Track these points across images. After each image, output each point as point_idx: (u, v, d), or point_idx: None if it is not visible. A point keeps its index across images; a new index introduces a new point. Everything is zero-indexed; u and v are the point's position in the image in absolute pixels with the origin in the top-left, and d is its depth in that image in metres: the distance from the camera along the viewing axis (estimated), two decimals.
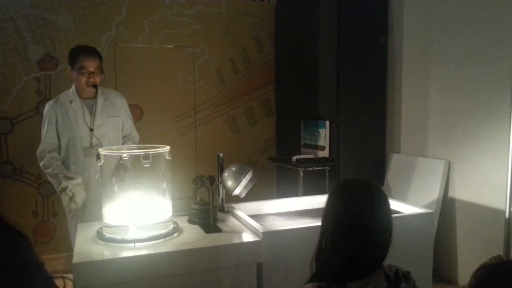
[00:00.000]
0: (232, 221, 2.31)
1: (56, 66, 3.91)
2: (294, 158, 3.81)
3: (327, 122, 3.79)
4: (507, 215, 2.61)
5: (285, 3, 4.41)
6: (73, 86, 2.83)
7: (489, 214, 2.93)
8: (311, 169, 3.69)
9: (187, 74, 4.34)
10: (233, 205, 2.50)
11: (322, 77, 3.78)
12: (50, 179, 2.77)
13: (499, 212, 2.74)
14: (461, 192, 3.19)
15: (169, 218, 2.11)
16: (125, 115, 2.94)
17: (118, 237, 1.97)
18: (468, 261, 3.14)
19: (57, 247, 3.89)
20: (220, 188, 2.41)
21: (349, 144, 3.74)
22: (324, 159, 3.78)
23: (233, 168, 2.36)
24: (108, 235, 1.99)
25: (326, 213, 1.36)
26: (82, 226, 2.24)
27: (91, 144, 2.76)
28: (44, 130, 2.79)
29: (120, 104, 2.91)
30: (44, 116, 2.80)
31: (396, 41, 3.77)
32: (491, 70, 2.90)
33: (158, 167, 2.07)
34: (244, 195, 2.39)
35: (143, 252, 1.87)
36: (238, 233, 2.12)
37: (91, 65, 2.70)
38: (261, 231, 2.00)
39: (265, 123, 4.67)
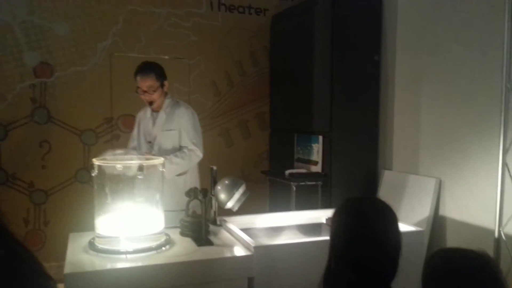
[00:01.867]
0: (224, 234, 2.32)
1: (52, 73, 3.91)
2: (287, 172, 3.82)
3: (320, 137, 3.81)
4: (496, 234, 2.63)
5: (280, 18, 4.45)
6: None
7: (480, 233, 2.95)
8: (303, 183, 3.70)
9: (182, 85, 4.36)
10: (225, 218, 2.50)
11: (316, 92, 3.82)
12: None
13: (489, 232, 2.77)
14: (452, 210, 3.21)
15: (162, 230, 2.11)
16: (183, 128, 2.91)
17: (110, 248, 1.96)
18: None
19: (48, 256, 3.83)
20: (213, 201, 2.42)
21: (342, 160, 3.76)
22: (316, 174, 3.80)
23: (226, 182, 2.37)
24: (100, 246, 1.99)
25: (336, 233, 1.34)
26: (74, 236, 2.23)
27: (153, 155, 2.81)
28: (133, 133, 3.15)
29: (179, 117, 2.93)
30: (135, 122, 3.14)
31: (389, 59, 3.82)
32: (481, 90, 2.95)
33: (151, 179, 2.08)
34: (236, 208, 2.40)
35: (135, 264, 1.87)
36: (230, 246, 2.12)
37: (143, 84, 2.84)
38: (253, 245, 2.01)
39: (259, 137, 4.69)
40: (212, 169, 2.47)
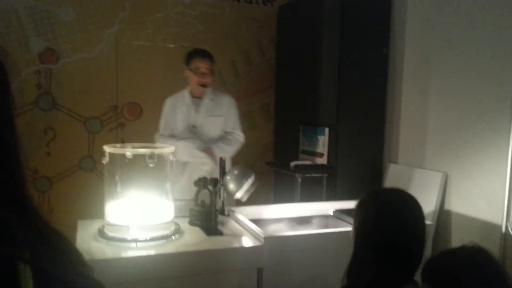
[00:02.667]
0: (233, 224, 2.31)
1: (57, 59, 3.88)
2: (293, 164, 3.81)
3: (327, 129, 3.80)
4: (503, 229, 2.63)
5: (288, 8, 4.42)
6: (188, 87, 3.13)
7: (486, 228, 2.95)
8: (309, 175, 3.69)
9: None
10: (233, 208, 2.50)
11: (323, 84, 3.79)
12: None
13: (495, 227, 2.76)
14: (458, 205, 3.21)
15: (171, 219, 2.10)
16: (230, 115, 3.14)
17: (120, 236, 1.96)
18: None
19: None
20: (222, 191, 2.41)
21: (348, 152, 3.75)
22: (322, 166, 3.79)
23: (236, 172, 2.36)
24: (109, 234, 1.98)
25: (363, 224, 1.33)
26: (84, 223, 2.22)
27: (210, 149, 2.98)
28: (163, 120, 3.14)
29: (226, 104, 3.13)
30: (163, 109, 3.16)
31: (397, 52, 3.80)
32: (491, 85, 2.93)
33: (162, 167, 2.06)
34: (246, 199, 2.39)
35: (145, 252, 1.87)
36: (240, 237, 2.12)
37: (204, 66, 2.99)
38: (262, 236, 2.00)
39: (263, 128, 4.67)
40: (221, 159, 2.46)
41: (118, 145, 2.11)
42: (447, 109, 3.30)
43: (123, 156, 1.99)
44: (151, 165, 1.95)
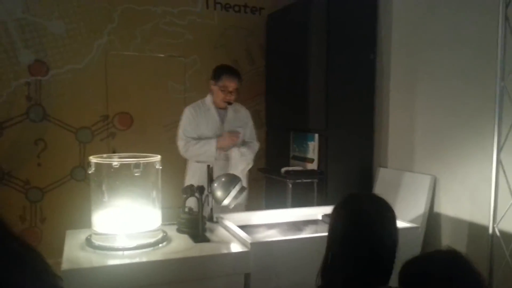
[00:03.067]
0: (221, 231, 2.33)
1: (47, 71, 3.90)
2: (283, 170, 3.84)
3: (316, 135, 3.83)
4: (490, 231, 2.66)
5: (276, 17, 4.46)
6: (209, 97, 3.25)
7: (474, 229, 2.98)
8: (299, 181, 3.72)
9: (178, 83, 4.36)
10: (222, 215, 2.51)
11: (311, 91, 3.83)
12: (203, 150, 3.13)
13: (483, 228, 2.79)
14: (447, 207, 3.24)
15: (158, 227, 2.11)
16: (249, 125, 3.38)
17: (107, 244, 1.97)
18: None
19: (44, 253, 3.82)
20: (210, 198, 2.43)
21: (338, 157, 3.78)
22: (312, 171, 3.81)
23: (223, 179, 2.38)
24: (97, 243, 1.99)
25: (333, 229, 1.35)
26: (71, 233, 2.23)
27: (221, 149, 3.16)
28: (183, 127, 3.19)
29: (245, 116, 3.36)
30: (185, 117, 3.20)
31: (384, 58, 3.84)
32: (476, 89, 2.97)
33: (148, 176, 2.08)
34: (233, 205, 2.41)
35: (132, 260, 1.88)
36: (227, 243, 2.13)
37: (231, 85, 3.14)
38: (249, 241, 2.02)
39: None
40: (208, 166, 2.48)
41: (105, 155, 2.13)
42: (434, 113, 3.34)
43: (109, 166, 2.00)
44: (136, 174, 1.96)
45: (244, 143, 3.32)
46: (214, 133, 3.17)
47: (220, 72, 3.18)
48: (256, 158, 4.67)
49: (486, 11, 2.86)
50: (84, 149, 4.00)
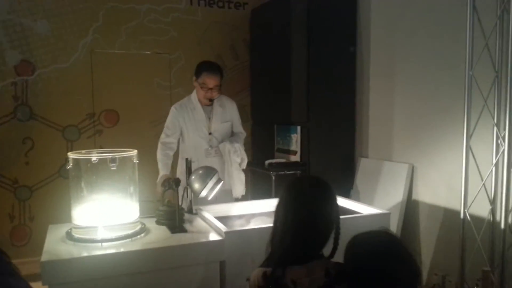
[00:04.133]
0: (199, 222, 2.41)
1: (33, 71, 3.96)
2: (267, 162, 3.92)
3: (298, 128, 3.91)
4: (462, 216, 2.74)
5: (259, 12, 4.53)
6: (194, 94, 3.22)
7: (448, 215, 3.07)
8: (282, 173, 3.80)
9: (164, 80, 4.43)
10: (201, 207, 2.59)
11: (294, 84, 3.90)
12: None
13: (456, 213, 2.88)
14: (424, 194, 3.33)
15: (136, 219, 2.20)
16: (235, 118, 3.35)
17: (86, 237, 2.05)
18: (430, 260, 3.28)
19: (33, 251, 3.92)
20: (188, 191, 2.51)
21: (320, 149, 3.86)
22: (295, 163, 3.89)
23: (200, 171, 2.46)
24: (76, 236, 2.07)
25: (278, 205, 1.52)
26: (53, 227, 2.31)
27: (210, 146, 3.20)
28: (168, 127, 3.19)
29: (231, 109, 3.32)
30: (169, 117, 3.20)
31: (364, 50, 3.91)
32: (449, 79, 3.05)
33: (125, 170, 2.16)
34: (211, 197, 2.49)
35: (109, 251, 1.96)
36: (203, 233, 2.22)
37: (211, 82, 3.09)
38: (224, 230, 2.10)
39: None
40: (187, 160, 2.55)
41: (84, 151, 2.20)
42: (411, 105, 3.42)
43: (87, 161, 2.08)
44: (112, 169, 2.04)
45: (233, 135, 3.33)
46: (202, 131, 3.17)
47: (200, 69, 3.15)
48: None
49: (456, 2, 2.93)
50: (71, 147, 4.07)
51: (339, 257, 1.45)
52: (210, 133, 3.20)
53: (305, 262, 1.43)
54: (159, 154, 3.12)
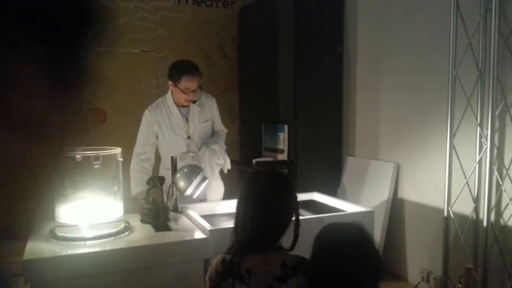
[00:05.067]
0: (184, 220, 2.41)
1: None
2: (254, 161, 3.93)
3: (286, 126, 3.92)
4: (445, 213, 2.78)
5: (248, 11, 4.53)
6: (170, 94, 2.92)
7: (433, 213, 3.10)
8: None
9: (151, 78, 4.42)
10: (186, 205, 2.59)
11: (281, 83, 3.92)
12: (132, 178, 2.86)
13: (441, 211, 2.91)
14: (409, 192, 3.36)
15: (120, 217, 2.19)
16: (215, 115, 3.07)
17: (70, 235, 2.04)
18: (415, 258, 3.31)
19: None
20: (173, 189, 2.51)
21: (307, 148, 3.88)
22: (283, 162, 3.91)
23: (185, 170, 2.46)
24: (60, 234, 2.07)
25: (239, 198, 1.59)
26: (37, 225, 2.30)
27: (188, 150, 2.90)
28: (141, 136, 2.92)
29: (210, 106, 3.02)
30: (142, 122, 2.93)
31: (351, 50, 3.94)
32: (433, 78, 3.08)
33: (109, 168, 2.15)
34: (196, 195, 2.49)
35: (92, 249, 1.95)
36: (188, 231, 2.22)
37: (193, 86, 2.79)
38: (208, 229, 2.10)
39: (228, 127, 4.66)
40: (172, 158, 2.55)
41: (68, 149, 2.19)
42: (397, 104, 3.45)
43: (71, 159, 2.07)
44: (96, 167, 2.04)
45: (213, 135, 3.07)
46: (179, 133, 2.90)
47: (178, 72, 2.82)
48: (230, 151, 4.76)
49: (440, 2, 2.96)
50: None
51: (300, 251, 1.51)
52: (188, 137, 2.92)
53: (263, 252, 1.50)
54: (133, 168, 2.84)
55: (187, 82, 2.79)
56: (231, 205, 2.78)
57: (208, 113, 3.02)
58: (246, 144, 4.67)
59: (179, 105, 2.91)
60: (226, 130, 3.18)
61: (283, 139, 3.98)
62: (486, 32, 2.63)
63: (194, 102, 2.88)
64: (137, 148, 2.90)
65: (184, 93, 2.81)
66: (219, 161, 2.94)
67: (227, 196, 3.92)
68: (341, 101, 4.03)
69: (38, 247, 1.99)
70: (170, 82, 2.88)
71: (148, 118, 2.91)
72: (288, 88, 3.87)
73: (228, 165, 3.02)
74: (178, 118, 2.90)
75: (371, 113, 3.73)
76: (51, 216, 2.65)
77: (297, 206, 1.59)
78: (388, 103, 3.56)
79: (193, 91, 2.82)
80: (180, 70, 2.83)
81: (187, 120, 2.92)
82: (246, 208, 1.54)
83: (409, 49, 3.30)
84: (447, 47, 2.77)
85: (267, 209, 1.52)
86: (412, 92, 3.30)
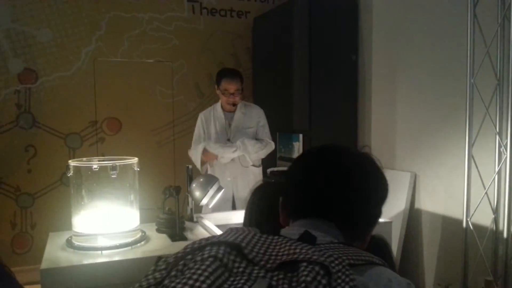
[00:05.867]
0: (199, 230, 2.40)
1: (36, 79, 3.98)
2: (269, 170, 3.90)
3: (300, 136, 3.90)
4: (464, 225, 2.73)
5: (262, 20, 4.54)
6: (220, 102, 3.39)
7: (451, 224, 3.05)
8: None
9: (166, 88, 4.44)
10: (202, 215, 2.59)
11: (296, 92, 3.91)
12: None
13: (459, 222, 2.86)
14: (426, 203, 3.31)
15: (137, 227, 2.19)
16: (261, 125, 3.43)
17: (86, 245, 2.05)
18: (433, 270, 3.25)
19: (35, 259, 3.91)
20: (189, 199, 2.51)
21: None
22: None
23: (201, 179, 2.46)
24: (76, 243, 2.07)
25: (248, 206, 1.56)
26: (53, 235, 2.31)
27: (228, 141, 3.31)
28: (195, 133, 3.44)
29: (255, 116, 3.41)
30: (196, 126, 3.44)
31: (366, 59, 3.92)
32: (450, 87, 3.05)
33: (126, 178, 2.16)
34: (212, 205, 2.48)
35: (109, 259, 1.95)
36: None
37: (232, 87, 3.23)
38: None
39: None
40: (188, 168, 2.55)
41: (85, 158, 2.20)
42: (414, 113, 3.42)
43: (88, 168, 2.08)
44: (113, 176, 2.04)
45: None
46: (223, 136, 3.31)
47: (219, 76, 3.30)
48: None
49: (457, 13, 2.94)
50: (73, 154, 4.08)
51: None
52: (228, 139, 3.31)
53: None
54: (191, 153, 3.37)
55: (226, 84, 3.23)
56: None
57: (253, 121, 3.39)
58: None
59: (225, 110, 3.34)
60: (271, 143, 3.43)
61: (297, 149, 3.96)
62: (504, 40, 2.59)
63: (234, 105, 3.27)
64: (193, 143, 3.42)
65: (224, 95, 3.23)
66: (248, 154, 3.29)
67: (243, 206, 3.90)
68: (356, 110, 4.01)
69: (55, 256, 1.99)
70: (215, 87, 3.36)
71: (199, 122, 3.40)
72: (303, 97, 3.86)
73: (252, 159, 3.37)
74: (221, 122, 3.33)
75: (386, 122, 3.70)
76: (69, 225, 2.67)
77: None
78: (404, 112, 3.52)
79: (233, 93, 3.21)
80: (220, 73, 3.32)
81: (229, 124, 3.33)
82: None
83: (425, 57, 3.27)
84: (465, 56, 2.74)
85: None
86: (429, 101, 3.27)
